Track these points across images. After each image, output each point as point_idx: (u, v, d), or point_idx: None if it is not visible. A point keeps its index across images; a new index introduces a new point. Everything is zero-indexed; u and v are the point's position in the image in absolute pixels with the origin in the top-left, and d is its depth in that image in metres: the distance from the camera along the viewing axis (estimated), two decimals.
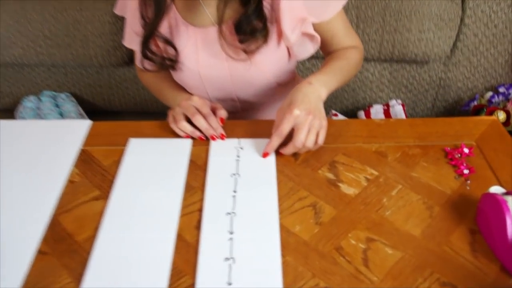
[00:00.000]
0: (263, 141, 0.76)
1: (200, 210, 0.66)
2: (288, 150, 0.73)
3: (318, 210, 0.66)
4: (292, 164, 0.74)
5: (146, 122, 0.83)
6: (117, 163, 0.74)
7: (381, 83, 1.38)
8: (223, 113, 0.79)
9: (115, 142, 0.78)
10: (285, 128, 0.71)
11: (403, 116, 1.30)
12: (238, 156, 0.75)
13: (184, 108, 0.78)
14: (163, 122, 0.82)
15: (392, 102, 1.34)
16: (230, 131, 0.79)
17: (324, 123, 0.73)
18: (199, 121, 0.76)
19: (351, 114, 1.43)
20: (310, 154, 0.76)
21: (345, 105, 1.43)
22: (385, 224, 0.64)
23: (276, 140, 0.72)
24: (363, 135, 0.80)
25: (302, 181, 0.71)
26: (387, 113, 1.33)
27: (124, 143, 0.78)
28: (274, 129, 0.73)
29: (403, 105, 1.33)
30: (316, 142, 0.72)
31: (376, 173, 0.72)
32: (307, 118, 0.70)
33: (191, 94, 0.89)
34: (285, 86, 0.94)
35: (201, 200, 0.68)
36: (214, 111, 0.80)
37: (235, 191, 0.68)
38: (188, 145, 0.77)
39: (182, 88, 0.91)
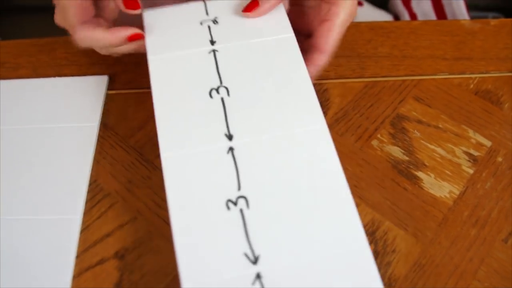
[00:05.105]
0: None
1: None
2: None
3: (381, 243, 0.30)
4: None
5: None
6: None
7: None
8: None
9: None
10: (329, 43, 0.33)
11: (464, 9, 0.87)
12: (213, 43, 0.32)
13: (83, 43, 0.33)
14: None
15: None
16: None
17: None
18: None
19: (378, 1, 1.00)
20: (349, 102, 0.37)
21: None
22: None
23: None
24: (447, 54, 0.40)
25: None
26: (437, 2, 0.90)
27: None
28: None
29: None
30: None
31: (487, 142, 0.35)
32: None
33: None
34: None
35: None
36: None
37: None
38: None
39: None
